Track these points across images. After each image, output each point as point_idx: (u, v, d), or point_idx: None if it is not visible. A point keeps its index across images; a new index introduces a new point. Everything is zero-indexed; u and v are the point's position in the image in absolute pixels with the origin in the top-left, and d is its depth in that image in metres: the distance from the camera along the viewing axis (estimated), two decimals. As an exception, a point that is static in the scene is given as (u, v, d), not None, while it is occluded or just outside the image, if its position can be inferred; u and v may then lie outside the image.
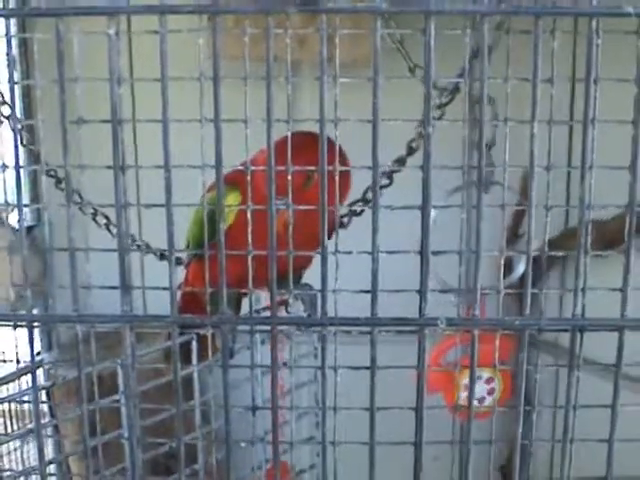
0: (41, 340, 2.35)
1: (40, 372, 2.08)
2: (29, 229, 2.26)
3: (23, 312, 0.80)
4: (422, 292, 0.76)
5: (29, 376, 1.89)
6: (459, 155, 1.04)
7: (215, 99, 0.74)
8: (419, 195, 0.77)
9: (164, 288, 0.79)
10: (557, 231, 2.15)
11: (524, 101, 0.76)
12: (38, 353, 2.29)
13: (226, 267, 0.76)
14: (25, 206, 0.82)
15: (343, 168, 0.81)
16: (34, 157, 1.80)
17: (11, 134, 1.90)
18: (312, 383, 1.62)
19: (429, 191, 0.75)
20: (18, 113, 2.02)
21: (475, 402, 1.87)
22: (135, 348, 0.80)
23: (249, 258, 0.80)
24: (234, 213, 1.18)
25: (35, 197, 2.29)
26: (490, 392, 1.90)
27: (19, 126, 1.79)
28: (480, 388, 1.88)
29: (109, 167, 0.76)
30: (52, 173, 1.77)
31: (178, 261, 1.91)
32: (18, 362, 0.87)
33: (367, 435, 0.81)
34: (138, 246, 1.92)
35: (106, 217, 1.86)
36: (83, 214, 1.80)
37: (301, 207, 0.77)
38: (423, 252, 0.76)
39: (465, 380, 1.93)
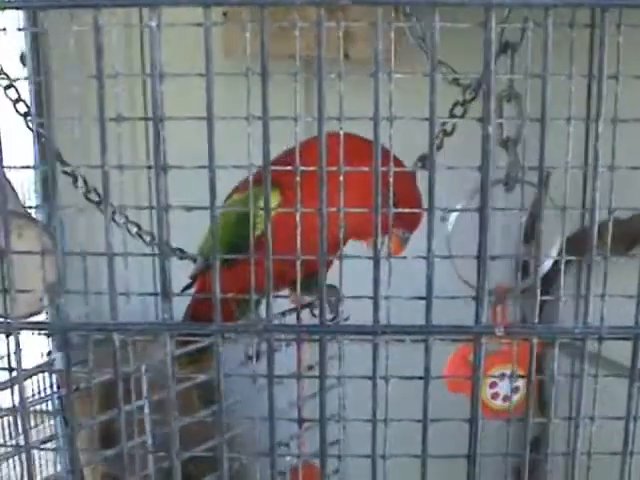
0: (52, 342, 2.30)
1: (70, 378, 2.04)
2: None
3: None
4: (479, 299, 0.72)
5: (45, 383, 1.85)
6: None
7: (263, 96, 0.70)
8: (441, 194, 0.73)
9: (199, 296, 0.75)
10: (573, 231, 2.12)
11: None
12: (49, 353, 2.25)
13: (258, 271, 0.72)
14: (34, 207, 0.79)
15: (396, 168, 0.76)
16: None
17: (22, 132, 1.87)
18: (334, 387, 1.58)
19: (488, 191, 0.71)
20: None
21: (500, 401, 1.83)
22: (173, 355, 0.77)
23: (298, 261, 0.76)
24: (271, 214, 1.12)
25: (46, 195, 2.23)
26: (515, 390, 1.85)
27: (35, 124, 1.75)
28: (506, 386, 1.84)
29: (149, 167, 0.73)
30: (68, 172, 1.73)
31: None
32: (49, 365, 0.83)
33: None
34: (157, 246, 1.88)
35: (126, 217, 1.82)
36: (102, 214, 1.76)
37: (357, 210, 0.73)
38: (481, 256, 0.72)
39: (490, 379, 1.89)
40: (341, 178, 0.73)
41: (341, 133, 0.73)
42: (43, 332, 0.77)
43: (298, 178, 0.73)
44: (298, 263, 0.76)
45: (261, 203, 0.92)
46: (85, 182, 1.75)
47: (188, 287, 1.55)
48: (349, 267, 0.81)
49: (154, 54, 0.70)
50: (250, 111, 0.73)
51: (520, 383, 1.92)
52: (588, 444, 0.83)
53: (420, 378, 0.74)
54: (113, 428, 0.92)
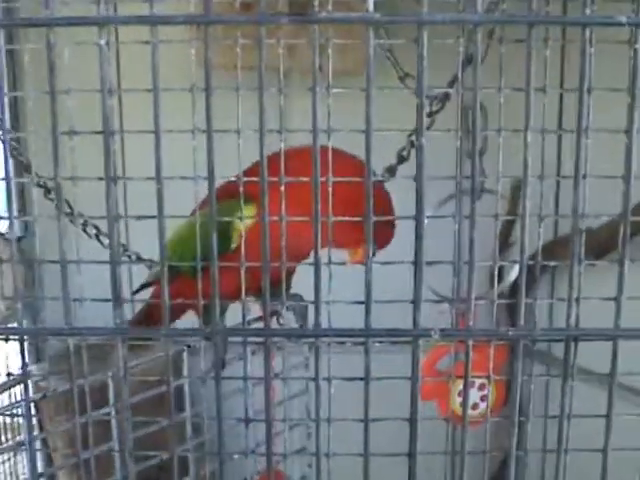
0: (29, 352, 2.33)
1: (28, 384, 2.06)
2: (17, 240, 2.24)
3: (14, 325, 0.79)
4: (416, 303, 0.76)
5: (16, 389, 1.88)
6: (449, 164, 1.04)
7: (207, 110, 0.73)
8: (410, 204, 0.76)
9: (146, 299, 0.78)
10: (546, 240, 2.15)
11: (515, 110, 0.76)
12: (26, 365, 2.27)
13: (230, 279, 0.76)
14: (15, 218, 0.81)
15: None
16: (23, 168, 1.79)
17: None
18: (303, 394, 1.62)
19: (422, 200, 0.75)
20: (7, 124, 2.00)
21: (469, 409, 1.87)
22: (127, 360, 0.80)
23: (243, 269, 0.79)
24: (247, 226, 1.13)
25: (23, 208, 2.26)
26: (483, 398, 1.90)
27: (8, 137, 1.78)
28: (473, 394, 1.88)
29: (100, 178, 0.76)
30: (41, 183, 1.76)
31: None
32: (9, 375, 0.86)
33: (360, 446, 0.81)
34: (129, 257, 1.91)
35: (96, 227, 1.85)
36: (74, 226, 1.79)
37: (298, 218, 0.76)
38: (417, 262, 0.75)
39: (459, 387, 1.93)
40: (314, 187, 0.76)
41: (290, 145, 0.76)
42: (1, 337, 0.80)
43: (265, 191, 0.76)
44: (242, 272, 0.79)
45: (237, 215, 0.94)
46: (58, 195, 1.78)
47: (139, 290, 1.56)
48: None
49: (104, 71, 0.73)
50: (196, 126, 0.76)
51: (487, 392, 1.96)
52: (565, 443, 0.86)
53: (361, 379, 0.77)
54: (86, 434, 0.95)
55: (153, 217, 0.75)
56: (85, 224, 1.83)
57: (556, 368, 2.30)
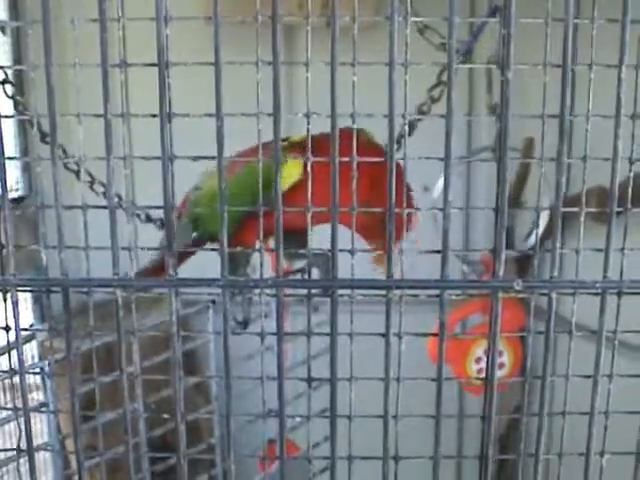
0: (33, 310, 2.25)
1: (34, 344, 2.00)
2: (20, 200, 2.14)
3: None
4: (497, 253, 0.70)
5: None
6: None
7: (274, 41, 0.67)
8: (428, 163, 0.72)
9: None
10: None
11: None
12: (31, 325, 2.20)
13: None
14: None
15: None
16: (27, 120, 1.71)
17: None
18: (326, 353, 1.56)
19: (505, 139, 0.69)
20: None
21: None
22: (177, 315, 0.73)
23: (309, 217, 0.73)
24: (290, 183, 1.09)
25: (26, 166, 2.14)
26: (500, 366, 1.83)
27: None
28: (492, 362, 1.81)
29: (154, 115, 0.69)
30: (48, 140, 1.67)
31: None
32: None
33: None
34: (138, 215, 1.83)
35: (90, 175, 1.77)
36: (77, 177, 1.70)
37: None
38: (499, 209, 0.69)
39: (476, 354, 1.87)
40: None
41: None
42: (41, 289, 0.74)
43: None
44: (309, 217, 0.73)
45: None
46: (64, 151, 1.69)
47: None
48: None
49: (158, -3, 0.67)
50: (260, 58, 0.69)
51: (505, 359, 1.90)
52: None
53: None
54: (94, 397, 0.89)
55: (212, 158, 0.69)
56: (79, 169, 1.73)
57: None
